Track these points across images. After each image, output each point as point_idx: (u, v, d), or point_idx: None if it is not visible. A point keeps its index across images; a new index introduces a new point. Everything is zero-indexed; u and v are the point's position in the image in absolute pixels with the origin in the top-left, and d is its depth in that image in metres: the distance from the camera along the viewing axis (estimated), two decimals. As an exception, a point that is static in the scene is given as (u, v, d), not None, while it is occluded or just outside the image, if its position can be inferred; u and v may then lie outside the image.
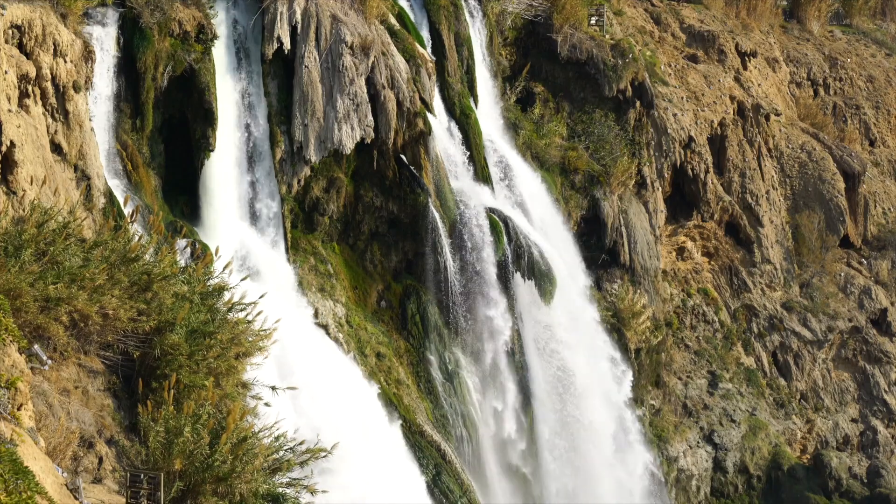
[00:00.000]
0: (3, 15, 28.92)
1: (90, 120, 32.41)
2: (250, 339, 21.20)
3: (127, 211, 26.25)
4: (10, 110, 28.06)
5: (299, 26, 38.30)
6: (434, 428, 38.90)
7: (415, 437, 37.91)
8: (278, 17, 37.71)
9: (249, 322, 21.43)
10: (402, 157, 40.42)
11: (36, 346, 17.97)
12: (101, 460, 18.14)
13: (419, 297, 40.76)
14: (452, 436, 39.85)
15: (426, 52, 42.36)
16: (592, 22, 51.89)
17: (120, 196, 32.59)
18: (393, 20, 41.75)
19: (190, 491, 17.72)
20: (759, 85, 59.70)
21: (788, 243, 57.47)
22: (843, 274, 58.41)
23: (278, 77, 38.35)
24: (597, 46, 49.41)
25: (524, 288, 42.56)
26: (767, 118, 58.03)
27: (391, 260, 41.05)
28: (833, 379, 56.38)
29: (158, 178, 35.89)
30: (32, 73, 29.64)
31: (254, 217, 37.79)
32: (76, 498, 15.89)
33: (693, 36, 59.30)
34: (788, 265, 57.09)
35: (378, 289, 40.98)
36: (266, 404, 21.12)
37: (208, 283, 21.86)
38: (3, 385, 15.25)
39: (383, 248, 40.97)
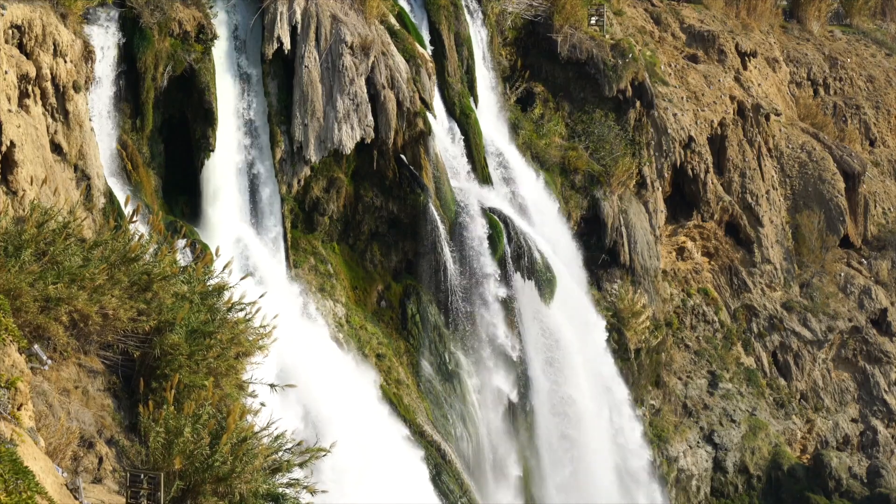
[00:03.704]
0: (3, 15, 28.92)
1: (90, 120, 32.41)
2: (250, 338, 21.19)
3: (127, 211, 26.25)
4: (10, 110, 28.06)
5: (299, 26, 38.30)
6: (434, 428, 38.90)
7: (415, 437, 37.92)
8: (278, 17, 37.70)
9: (249, 320, 21.43)
10: (402, 157, 40.42)
11: (36, 346, 17.97)
12: (101, 460, 18.14)
13: (419, 297, 40.76)
14: (452, 436, 39.86)
15: (426, 52, 42.36)
16: (592, 22, 51.90)
17: (120, 196, 32.59)
18: (393, 20, 41.75)
19: (190, 491, 17.72)
20: (759, 85, 59.70)
21: (788, 243, 57.47)
22: (843, 274, 58.41)
23: (278, 77, 38.34)
24: (597, 46, 49.41)
25: (524, 288, 42.56)
26: (767, 118, 58.03)
27: (391, 260, 41.05)
28: (833, 379, 56.38)
29: (158, 178, 35.89)
30: (32, 73, 29.64)
31: (254, 217, 37.79)
32: (76, 498, 15.89)
33: (693, 36, 59.30)
34: (788, 265, 57.10)
35: (378, 289, 40.98)
36: (262, 404, 21.12)
37: (208, 283, 21.85)
38: (3, 385, 15.25)
39: (383, 248, 40.97)
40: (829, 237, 58.26)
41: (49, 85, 30.43)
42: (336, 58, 38.51)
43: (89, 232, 25.09)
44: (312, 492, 19.33)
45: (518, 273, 42.17)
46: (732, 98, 56.16)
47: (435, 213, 40.37)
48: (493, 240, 41.46)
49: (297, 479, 19.14)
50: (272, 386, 21.51)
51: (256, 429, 18.85)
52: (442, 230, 40.44)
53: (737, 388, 52.76)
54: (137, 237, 21.31)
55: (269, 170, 37.99)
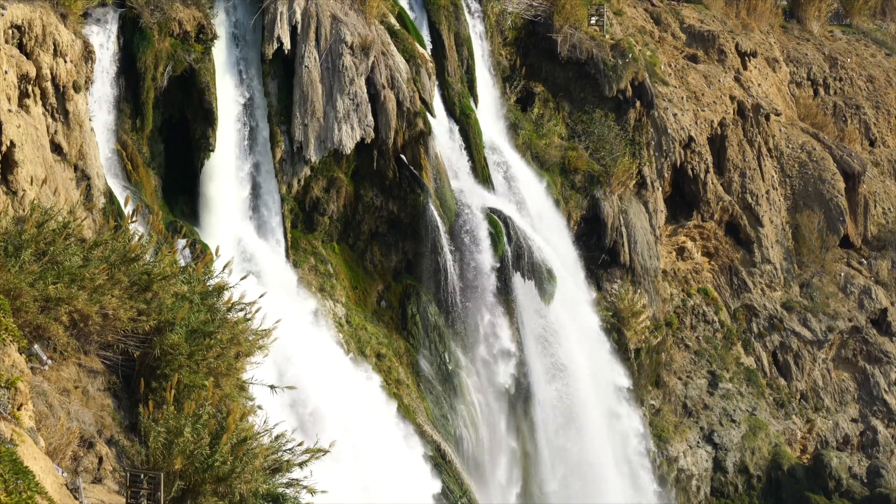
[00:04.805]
0: (3, 15, 28.93)
1: (90, 120, 32.42)
2: (250, 338, 21.20)
3: (127, 211, 26.26)
4: (10, 110, 28.07)
5: (299, 26, 38.30)
6: (434, 428, 38.91)
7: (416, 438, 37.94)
8: (278, 17, 37.71)
9: (249, 319, 21.45)
10: (402, 157, 40.42)
11: (36, 346, 17.97)
12: (101, 460, 18.15)
13: (419, 297, 40.76)
14: (452, 436, 39.86)
15: (426, 52, 42.36)
16: (592, 22, 51.89)
17: (120, 196, 32.60)
18: (393, 20, 41.75)
19: (190, 491, 17.73)
20: (759, 85, 59.70)
21: (788, 243, 57.47)
22: (843, 274, 58.41)
23: (278, 77, 38.35)
24: (597, 46, 49.40)
25: (524, 288, 42.55)
26: (767, 118, 58.03)
27: (391, 260, 41.05)
28: (833, 379, 56.39)
29: (158, 178, 35.90)
30: (32, 73, 29.64)
31: (254, 217, 37.80)
32: (76, 498, 15.90)
33: (693, 36, 59.30)
34: (788, 265, 57.09)
35: (378, 289, 40.98)
36: (259, 407, 21.13)
37: (208, 283, 21.86)
38: (3, 385, 15.25)
39: (383, 248, 40.97)
40: (829, 237, 58.25)
41: (49, 85, 30.44)
42: (336, 58, 38.51)
43: (89, 232, 25.09)
44: (312, 492, 19.35)
45: (518, 273, 42.17)
46: (732, 98, 56.16)
47: (435, 213, 40.38)
48: (493, 240, 41.46)
49: (297, 479, 19.16)
50: (272, 387, 21.52)
51: (256, 429, 18.87)
52: (442, 230, 40.44)
53: (737, 388, 52.76)
54: (137, 237, 21.32)
55: (269, 170, 37.99)
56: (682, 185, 54.01)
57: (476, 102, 45.15)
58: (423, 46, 42.72)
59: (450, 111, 43.81)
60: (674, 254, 54.21)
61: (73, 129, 31.15)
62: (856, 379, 57.02)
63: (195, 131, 36.34)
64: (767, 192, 56.86)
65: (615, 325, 47.40)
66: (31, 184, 27.79)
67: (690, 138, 53.02)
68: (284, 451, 19.25)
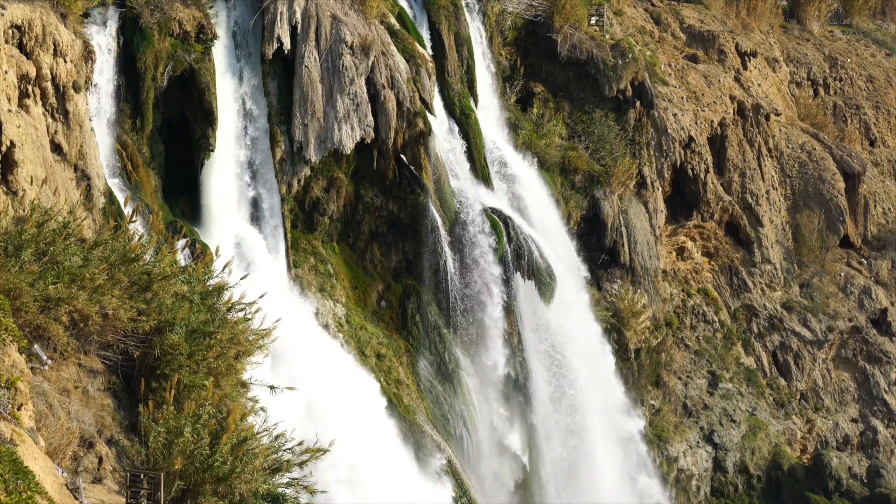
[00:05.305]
0: (3, 15, 28.93)
1: (90, 120, 32.42)
2: (250, 338, 21.21)
3: (127, 211, 26.27)
4: (10, 110, 28.07)
5: (299, 26, 38.30)
6: (434, 428, 38.90)
7: (415, 437, 37.91)
8: (278, 17, 37.71)
9: (249, 319, 21.46)
10: (402, 157, 40.42)
11: (36, 346, 17.97)
12: (101, 460, 18.15)
13: (419, 297, 40.77)
14: (452, 436, 39.86)
15: (426, 52, 42.36)
16: (592, 22, 51.88)
17: (120, 196, 32.61)
18: (393, 20, 41.75)
19: (190, 491, 17.74)
20: (759, 85, 59.70)
21: (788, 243, 57.46)
22: (843, 274, 58.40)
23: (278, 77, 38.35)
24: (597, 46, 49.40)
25: (524, 288, 42.55)
26: (767, 118, 58.02)
27: (391, 260, 41.05)
28: (833, 379, 56.38)
29: (158, 178, 35.90)
30: (32, 73, 29.65)
31: (254, 217, 37.80)
32: (76, 498, 15.90)
33: (693, 36, 59.29)
34: (788, 265, 57.09)
35: (378, 289, 40.98)
36: (262, 409, 21.13)
37: (208, 283, 21.88)
38: (3, 385, 15.26)
39: (383, 248, 40.98)
40: (829, 237, 58.23)
41: (49, 85, 30.45)
42: (336, 58, 38.51)
43: (89, 232, 25.11)
44: (312, 492, 19.36)
45: (518, 273, 42.17)
46: (732, 98, 56.15)
47: (435, 213, 40.38)
48: (494, 240, 41.45)
49: (297, 479, 19.17)
50: (272, 388, 21.53)
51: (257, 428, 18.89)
52: (442, 230, 40.44)
53: (737, 388, 52.75)
54: (137, 237, 21.33)
55: (269, 170, 38.00)
56: (682, 185, 54.00)
57: (476, 102, 45.15)
58: (423, 46, 42.72)
59: (450, 111, 43.80)
60: (674, 254, 54.21)
61: (73, 129, 31.15)
62: (856, 379, 57.02)
63: (195, 131, 36.35)
64: (767, 192, 56.86)
65: (615, 326, 47.40)
66: (31, 184, 27.80)
67: (690, 138, 53.01)
68: (284, 450, 19.27)
